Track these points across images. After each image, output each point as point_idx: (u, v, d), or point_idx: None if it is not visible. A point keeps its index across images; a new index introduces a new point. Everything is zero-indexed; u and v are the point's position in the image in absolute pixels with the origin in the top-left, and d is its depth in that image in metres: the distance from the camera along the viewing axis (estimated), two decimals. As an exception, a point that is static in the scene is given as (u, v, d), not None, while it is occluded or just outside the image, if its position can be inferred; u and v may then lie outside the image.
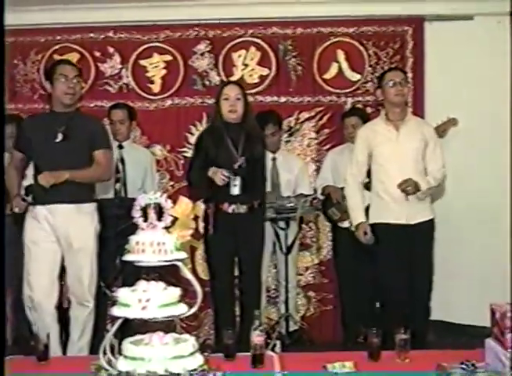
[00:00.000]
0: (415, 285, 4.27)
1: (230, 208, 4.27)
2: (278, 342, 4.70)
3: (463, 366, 2.77)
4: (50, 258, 3.96)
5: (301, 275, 5.47)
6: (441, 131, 4.89)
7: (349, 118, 5.13)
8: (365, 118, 4.97)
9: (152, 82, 5.56)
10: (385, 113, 4.40)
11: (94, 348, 3.79)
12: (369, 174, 4.46)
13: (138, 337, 2.94)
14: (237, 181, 4.25)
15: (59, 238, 3.95)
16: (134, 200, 2.97)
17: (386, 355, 3.15)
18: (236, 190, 4.26)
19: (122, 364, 2.80)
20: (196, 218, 4.63)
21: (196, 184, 4.39)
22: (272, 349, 4.28)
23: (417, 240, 4.27)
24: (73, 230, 3.93)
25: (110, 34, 5.54)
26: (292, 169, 5.16)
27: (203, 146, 4.35)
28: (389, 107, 4.36)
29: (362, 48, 5.49)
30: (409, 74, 5.27)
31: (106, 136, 4.18)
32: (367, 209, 4.49)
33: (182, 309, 2.89)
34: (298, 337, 5.02)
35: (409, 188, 4.21)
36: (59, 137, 3.92)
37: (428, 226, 4.35)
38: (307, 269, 5.51)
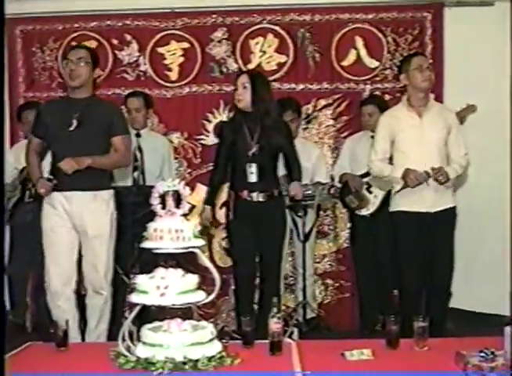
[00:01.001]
0: (436, 274, 4.25)
1: (248, 196, 4.27)
2: (295, 330, 4.70)
3: (482, 354, 2.75)
4: (67, 245, 3.97)
5: (318, 263, 5.47)
6: (460, 117, 4.83)
7: (366, 106, 5.10)
8: (384, 107, 4.92)
9: (169, 70, 5.56)
10: (407, 99, 4.35)
11: (112, 335, 3.81)
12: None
13: (156, 323, 2.96)
14: (253, 168, 4.26)
15: (75, 225, 3.96)
16: (152, 188, 2.99)
17: (404, 343, 3.14)
18: (253, 178, 4.26)
19: (141, 351, 2.82)
20: (213, 206, 4.64)
21: (212, 188, 4.36)
22: (290, 337, 4.29)
23: (438, 228, 4.24)
24: (88, 217, 3.93)
25: (128, 21, 5.53)
26: (309, 157, 5.13)
27: (223, 134, 4.37)
28: (413, 93, 4.30)
29: (380, 34, 5.45)
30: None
31: (124, 122, 4.17)
32: (388, 197, 4.48)
33: (200, 296, 2.91)
34: (316, 324, 5.01)
35: (441, 177, 4.17)
36: (74, 123, 3.91)
37: (450, 214, 4.31)
38: (324, 256, 5.51)
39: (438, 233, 4.25)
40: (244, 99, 4.25)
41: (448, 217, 4.30)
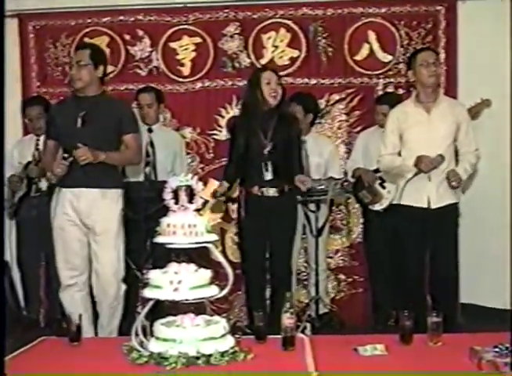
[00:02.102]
0: (439, 270, 4.23)
1: (259, 191, 4.29)
2: (308, 325, 4.70)
3: (497, 349, 2.74)
4: (77, 242, 3.97)
5: (331, 258, 5.46)
6: (474, 113, 4.79)
7: (381, 106, 5.01)
8: (397, 104, 4.87)
9: (182, 65, 5.55)
10: (416, 95, 4.32)
11: (125, 330, 3.82)
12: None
13: (169, 318, 2.96)
14: (269, 166, 4.27)
15: (83, 222, 3.96)
16: (164, 183, 2.99)
17: (417, 338, 3.13)
18: (268, 176, 4.29)
19: (154, 345, 2.83)
20: (226, 201, 4.65)
21: (228, 180, 4.38)
22: (303, 332, 4.28)
23: (440, 225, 4.21)
24: (96, 215, 3.93)
25: (140, 16, 5.53)
26: (322, 153, 5.12)
27: (235, 133, 4.39)
28: (421, 88, 4.27)
29: (393, 28, 5.42)
30: (442, 55, 5.21)
31: (134, 120, 4.18)
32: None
33: (213, 291, 2.91)
34: (328, 320, 5.00)
35: (455, 182, 4.14)
36: (79, 122, 3.93)
37: (451, 210, 4.27)
38: (337, 251, 5.50)
39: (440, 230, 4.22)
40: (279, 95, 4.28)
41: (449, 213, 4.25)
